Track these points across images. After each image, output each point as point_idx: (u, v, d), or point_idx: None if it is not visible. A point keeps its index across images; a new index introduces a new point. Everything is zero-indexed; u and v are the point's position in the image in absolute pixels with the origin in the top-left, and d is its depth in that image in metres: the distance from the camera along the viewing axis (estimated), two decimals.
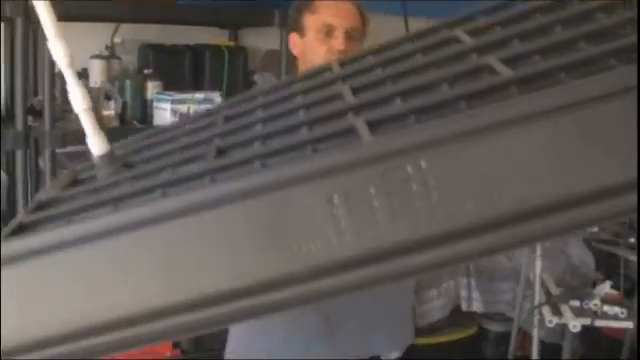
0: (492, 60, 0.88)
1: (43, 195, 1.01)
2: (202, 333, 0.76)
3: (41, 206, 0.99)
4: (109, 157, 1.03)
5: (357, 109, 0.92)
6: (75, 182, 1.10)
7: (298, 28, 1.92)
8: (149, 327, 0.77)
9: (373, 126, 0.81)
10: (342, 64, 1.24)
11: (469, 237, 0.71)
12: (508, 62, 0.89)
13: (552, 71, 0.80)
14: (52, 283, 0.80)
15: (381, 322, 1.85)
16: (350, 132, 0.82)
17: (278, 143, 0.88)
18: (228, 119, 1.16)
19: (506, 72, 0.84)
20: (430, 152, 0.73)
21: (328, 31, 1.88)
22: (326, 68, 1.26)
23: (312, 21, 1.91)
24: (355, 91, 1.04)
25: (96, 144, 1.02)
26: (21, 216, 0.94)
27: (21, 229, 0.89)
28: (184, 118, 1.29)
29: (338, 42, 1.88)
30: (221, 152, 0.96)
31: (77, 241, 0.81)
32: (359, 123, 0.83)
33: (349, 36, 1.88)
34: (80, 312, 0.80)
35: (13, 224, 0.91)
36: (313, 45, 1.91)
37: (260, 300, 0.71)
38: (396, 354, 1.89)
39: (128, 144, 1.27)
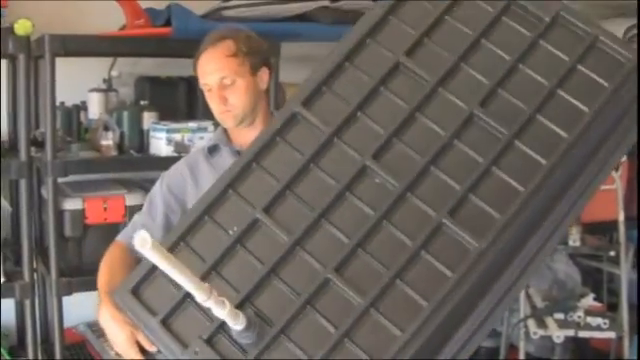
0: None
1: None
2: None
3: None
4: (248, 326, 1.21)
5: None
6: None
7: None
8: None
9: None
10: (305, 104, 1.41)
11: None
12: None
13: None
14: None
15: None
16: None
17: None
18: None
19: None
20: None
21: (209, 90, 1.92)
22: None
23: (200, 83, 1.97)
24: (375, 156, 1.34)
25: (237, 323, 1.21)
26: None
27: None
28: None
29: (216, 104, 1.91)
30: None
31: None
32: None
33: (223, 87, 1.89)
34: None
35: None
36: (210, 106, 1.96)
37: None
38: None
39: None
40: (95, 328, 2.94)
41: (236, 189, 1.39)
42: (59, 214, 2.77)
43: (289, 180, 1.36)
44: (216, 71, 1.90)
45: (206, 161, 2.00)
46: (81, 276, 2.77)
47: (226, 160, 1.94)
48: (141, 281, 1.37)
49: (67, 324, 2.90)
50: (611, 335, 3.22)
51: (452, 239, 1.26)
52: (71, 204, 2.81)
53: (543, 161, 1.29)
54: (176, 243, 1.37)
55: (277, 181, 1.36)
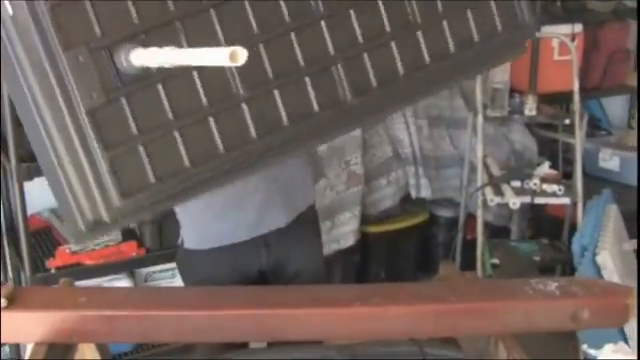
0: None
1: None
2: None
3: None
4: None
5: None
6: None
7: None
8: None
9: None
10: None
11: None
12: None
13: None
14: None
15: (279, 198, 2.05)
16: None
17: None
18: None
19: None
20: None
21: None
22: None
23: None
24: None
25: None
26: None
27: None
28: None
29: None
30: None
31: None
32: None
33: None
34: None
35: None
36: None
37: None
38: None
39: None
40: (59, 213, 2.96)
41: None
42: None
43: None
44: None
45: None
46: None
47: None
48: None
49: (31, 211, 2.91)
50: (566, 201, 3.32)
51: None
52: None
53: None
54: None
55: None
